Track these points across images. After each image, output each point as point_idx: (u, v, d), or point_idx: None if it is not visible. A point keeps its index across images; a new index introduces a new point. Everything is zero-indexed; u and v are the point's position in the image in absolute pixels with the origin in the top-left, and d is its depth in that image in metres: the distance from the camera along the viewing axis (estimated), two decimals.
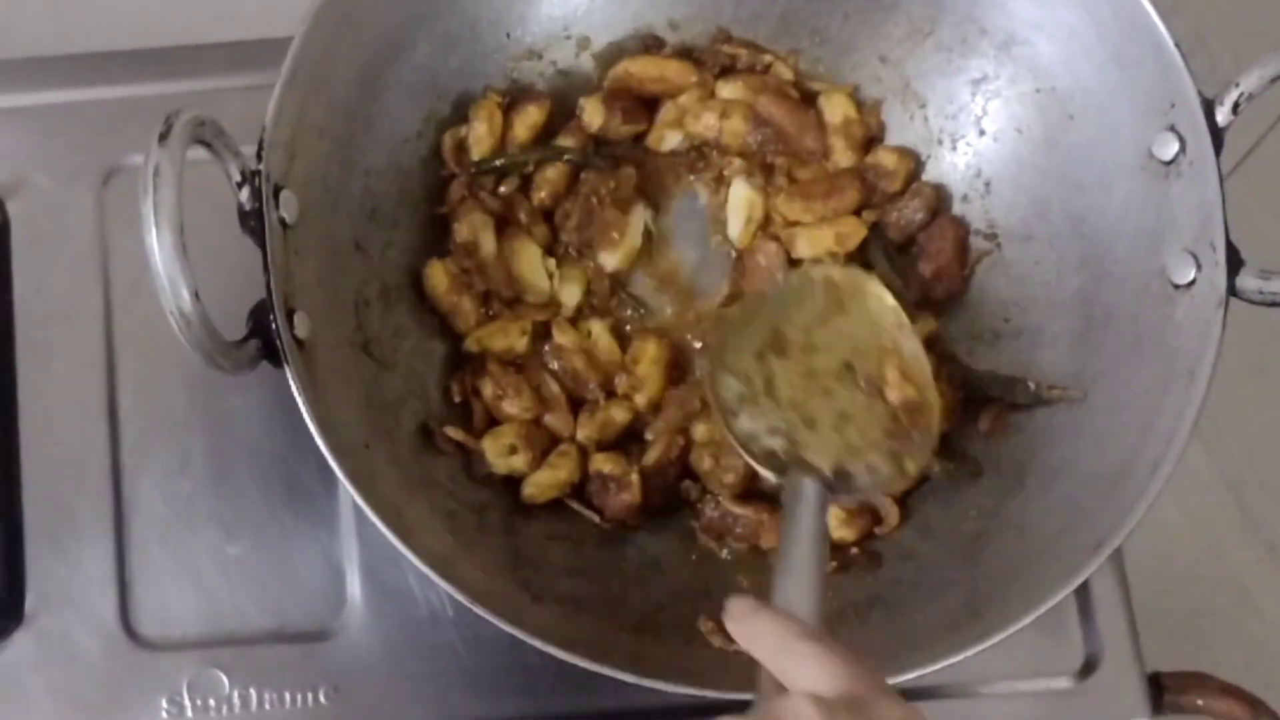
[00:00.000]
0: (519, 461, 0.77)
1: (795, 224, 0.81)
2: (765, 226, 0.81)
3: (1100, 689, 0.79)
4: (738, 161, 0.81)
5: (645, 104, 0.83)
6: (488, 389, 0.78)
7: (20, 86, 0.87)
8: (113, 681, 0.78)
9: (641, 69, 0.82)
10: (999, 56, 0.80)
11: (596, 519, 0.77)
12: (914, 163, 0.82)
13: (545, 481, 0.77)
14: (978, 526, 0.75)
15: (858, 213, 0.81)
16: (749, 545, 0.77)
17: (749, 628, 0.57)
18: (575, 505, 0.78)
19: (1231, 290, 0.67)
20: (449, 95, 0.81)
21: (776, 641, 0.55)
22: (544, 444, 0.78)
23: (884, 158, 0.82)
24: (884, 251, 0.81)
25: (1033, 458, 0.75)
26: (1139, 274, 0.73)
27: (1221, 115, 0.68)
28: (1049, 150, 0.79)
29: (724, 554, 0.77)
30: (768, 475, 0.69)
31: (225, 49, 0.89)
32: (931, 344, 0.77)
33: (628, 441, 0.80)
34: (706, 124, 0.81)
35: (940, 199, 0.82)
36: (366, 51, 0.76)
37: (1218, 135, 0.68)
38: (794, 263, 0.80)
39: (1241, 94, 0.68)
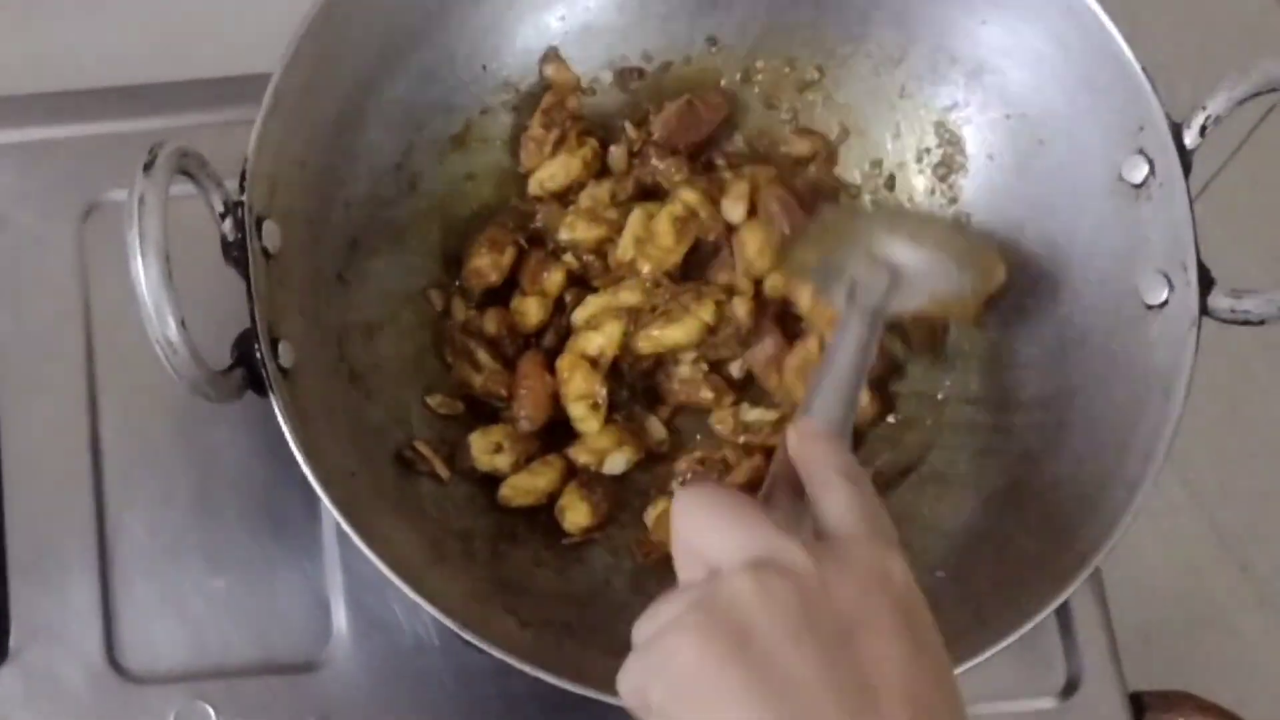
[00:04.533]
0: (502, 461, 0.78)
1: None
2: None
3: (1083, 709, 0.79)
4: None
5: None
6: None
7: None
8: (100, 716, 0.77)
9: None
10: (969, 84, 0.81)
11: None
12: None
13: (523, 486, 0.78)
14: (958, 547, 0.75)
15: None
16: None
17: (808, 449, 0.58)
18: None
19: (1204, 310, 0.68)
20: (426, 127, 0.82)
21: (821, 464, 0.56)
22: (530, 450, 0.79)
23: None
24: None
25: (1014, 478, 0.76)
26: (1112, 295, 0.74)
27: (1189, 138, 0.69)
28: (1020, 175, 0.80)
29: None
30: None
31: (202, 85, 0.89)
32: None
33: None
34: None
35: None
36: (346, 84, 0.77)
37: (1186, 158, 0.69)
38: None
39: (1208, 117, 0.69)
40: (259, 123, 0.69)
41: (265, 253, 0.69)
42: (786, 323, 0.82)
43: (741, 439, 0.80)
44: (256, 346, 0.66)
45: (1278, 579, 0.87)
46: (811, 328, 0.80)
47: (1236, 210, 0.95)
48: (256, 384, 0.67)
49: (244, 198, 0.68)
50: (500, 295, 0.82)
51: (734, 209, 0.82)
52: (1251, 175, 0.96)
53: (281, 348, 0.68)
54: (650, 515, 0.78)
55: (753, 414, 0.80)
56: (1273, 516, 0.89)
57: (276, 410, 0.66)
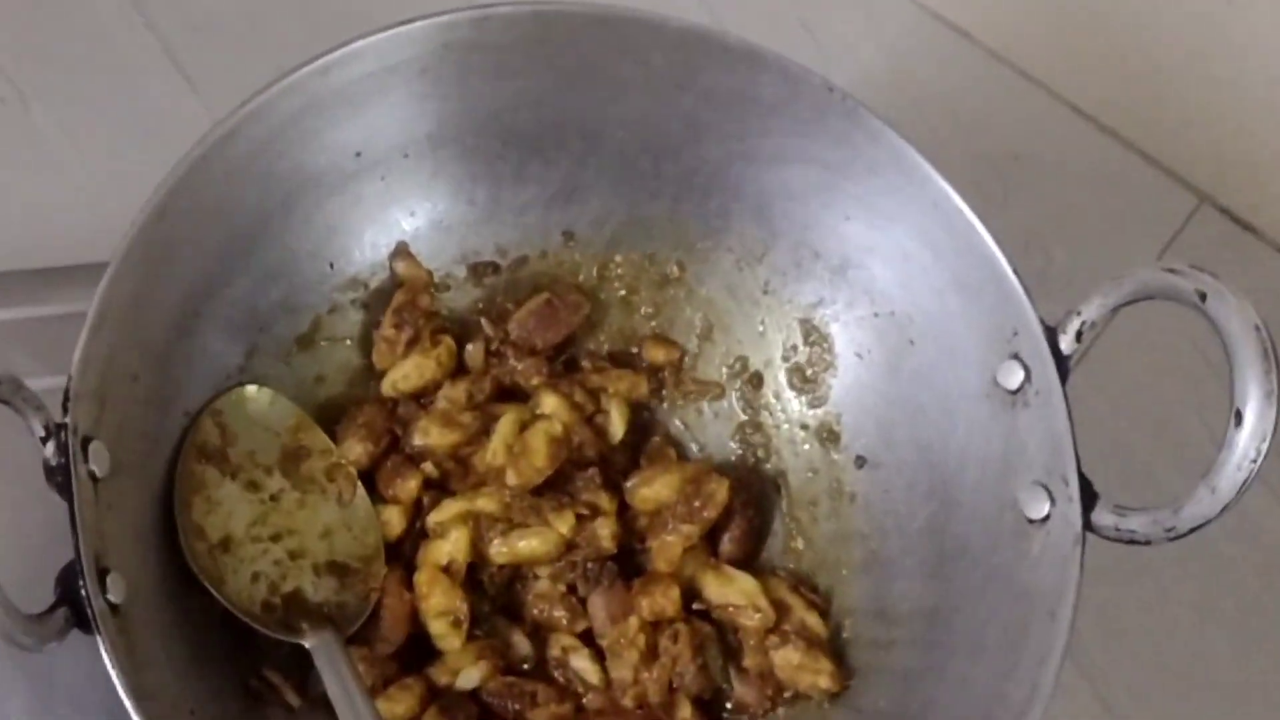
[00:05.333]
0: None
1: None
2: None
3: None
4: None
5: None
6: None
7: None
8: None
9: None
10: (834, 280, 0.79)
11: None
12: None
13: (381, 713, 0.72)
14: None
15: None
16: None
17: None
18: None
19: (1087, 526, 0.65)
20: (270, 329, 0.78)
21: None
22: (388, 674, 0.74)
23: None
24: None
25: (894, 700, 0.73)
26: (990, 505, 0.71)
27: (1065, 343, 0.67)
28: (891, 375, 0.78)
29: None
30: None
31: (28, 276, 0.86)
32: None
33: None
34: None
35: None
36: (180, 289, 0.73)
37: (1063, 365, 0.67)
38: None
39: (1084, 322, 0.67)
40: (83, 340, 0.65)
41: (93, 476, 0.64)
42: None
43: (559, 676, 0.77)
44: (81, 584, 0.61)
45: None
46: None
47: (1117, 379, 0.95)
48: (83, 623, 0.62)
49: (67, 420, 0.63)
50: None
51: (616, 428, 0.80)
52: (1132, 341, 0.96)
53: (111, 580, 0.63)
54: None
55: (580, 662, 0.76)
56: (1166, 699, 0.88)
57: (104, 654, 0.61)
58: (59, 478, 0.63)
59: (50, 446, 0.63)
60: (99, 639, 0.61)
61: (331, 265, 0.80)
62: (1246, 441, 0.60)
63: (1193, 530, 0.62)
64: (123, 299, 0.67)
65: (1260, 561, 0.92)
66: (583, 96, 0.78)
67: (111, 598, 0.63)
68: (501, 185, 0.81)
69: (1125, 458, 0.92)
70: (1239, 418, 0.60)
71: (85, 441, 0.64)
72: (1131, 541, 0.64)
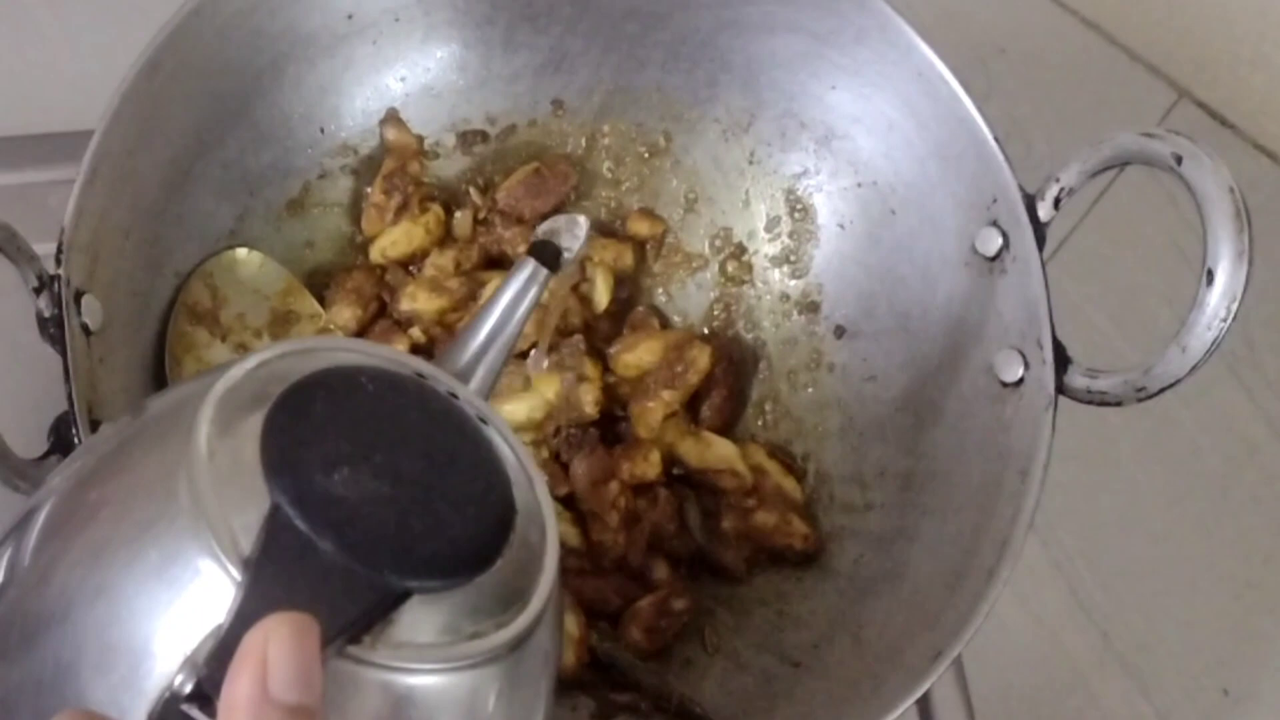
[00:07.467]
0: None
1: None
2: None
3: None
4: None
5: None
6: None
7: None
8: None
9: None
10: (819, 150, 0.80)
11: None
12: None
13: None
14: (814, 635, 0.73)
15: None
16: None
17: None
18: None
19: (1059, 389, 0.66)
20: (261, 192, 0.79)
21: None
22: None
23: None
24: None
25: (868, 562, 0.74)
26: (967, 371, 0.72)
27: (1043, 210, 0.68)
28: (873, 246, 0.78)
29: None
30: None
31: (22, 142, 0.86)
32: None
33: None
34: None
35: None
36: (172, 148, 0.73)
37: (1040, 231, 0.68)
38: None
39: (1062, 189, 0.67)
40: (76, 191, 0.65)
41: (85, 329, 0.65)
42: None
43: None
44: (74, 432, 0.62)
45: (1139, 646, 0.86)
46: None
47: (1092, 271, 0.95)
48: None
49: (60, 272, 0.64)
50: None
51: (601, 296, 0.81)
52: (1108, 232, 0.96)
53: None
54: None
55: (562, 525, 0.76)
56: (1132, 583, 0.88)
57: None
58: (52, 329, 0.63)
59: (44, 298, 0.63)
60: None
61: (322, 130, 0.80)
62: (1217, 301, 0.60)
63: (1163, 389, 0.63)
64: (115, 153, 0.67)
65: (1228, 452, 0.93)
66: None
67: None
68: (492, 52, 0.81)
69: (1100, 344, 0.93)
70: (1210, 277, 0.60)
71: (78, 295, 0.65)
72: (1103, 403, 0.65)
